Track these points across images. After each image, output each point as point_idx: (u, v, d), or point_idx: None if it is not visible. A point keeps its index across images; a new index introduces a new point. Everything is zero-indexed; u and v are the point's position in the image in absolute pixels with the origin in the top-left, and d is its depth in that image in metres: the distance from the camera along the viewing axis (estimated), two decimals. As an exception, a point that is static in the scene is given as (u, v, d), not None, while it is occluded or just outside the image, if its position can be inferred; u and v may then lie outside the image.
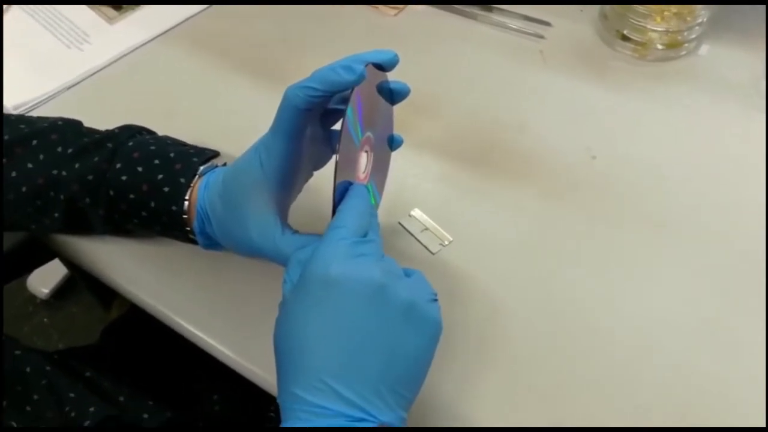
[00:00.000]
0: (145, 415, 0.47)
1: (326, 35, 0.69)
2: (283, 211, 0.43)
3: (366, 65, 0.37)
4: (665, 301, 0.47)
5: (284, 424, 0.34)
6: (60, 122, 0.49)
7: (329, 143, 0.47)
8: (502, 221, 0.52)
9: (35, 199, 0.47)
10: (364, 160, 0.42)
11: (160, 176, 0.45)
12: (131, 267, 0.51)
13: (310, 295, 0.34)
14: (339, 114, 0.45)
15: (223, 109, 0.62)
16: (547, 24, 0.67)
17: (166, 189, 0.45)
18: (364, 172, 0.43)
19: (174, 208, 0.45)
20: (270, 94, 0.62)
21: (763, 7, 0.67)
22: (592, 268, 0.49)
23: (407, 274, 0.37)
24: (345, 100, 0.41)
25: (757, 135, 0.57)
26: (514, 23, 0.68)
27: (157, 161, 0.46)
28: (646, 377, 0.43)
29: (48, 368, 0.46)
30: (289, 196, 0.44)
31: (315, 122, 0.43)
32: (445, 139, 0.58)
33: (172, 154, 0.47)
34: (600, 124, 0.59)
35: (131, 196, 0.46)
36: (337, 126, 0.46)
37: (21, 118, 0.50)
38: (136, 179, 0.46)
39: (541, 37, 0.66)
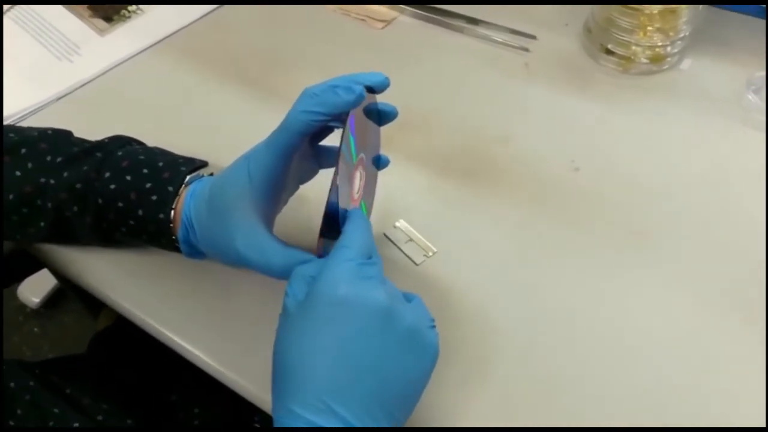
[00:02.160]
0: None
1: (314, 48, 0.69)
2: (268, 224, 0.44)
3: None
4: (649, 310, 0.47)
5: None
6: (50, 132, 0.50)
7: (316, 159, 0.48)
8: (487, 233, 0.52)
9: (21, 208, 0.47)
10: (357, 180, 0.43)
11: (149, 185, 0.46)
12: (118, 277, 0.52)
13: (317, 314, 0.35)
14: (328, 131, 0.46)
15: (212, 121, 0.62)
16: (533, 37, 0.68)
17: (153, 197, 0.45)
18: (357, 193, 0.43)
19: (161, 216, 0.45)
20: (259, 106, 0.64)
21: (746, 21, 0.68)
22: (576, 279, 0.49)
23: (407, 298, 0.38)
24: (337, 119, 0.42)
25: (739, 148, 0.58)
26: (500, 36, 0.68)
27: (145, 170, 0.47)
28: (632, 384, 0.44)
29: (31, 383, 0.47)
30: (275, 208, 0.45)
31: (305, 139, 0.44)
32: (430, 151, 0.59)
33: (160, 164, 0.47)
34: (584, 136, 0.59)
35: (119, 204, 0.46)
36: (325, 142, 0.47)
37: (10, 128, 0.50)
38: (124, 188, 0.46)
39: (526, 50, 0.67)
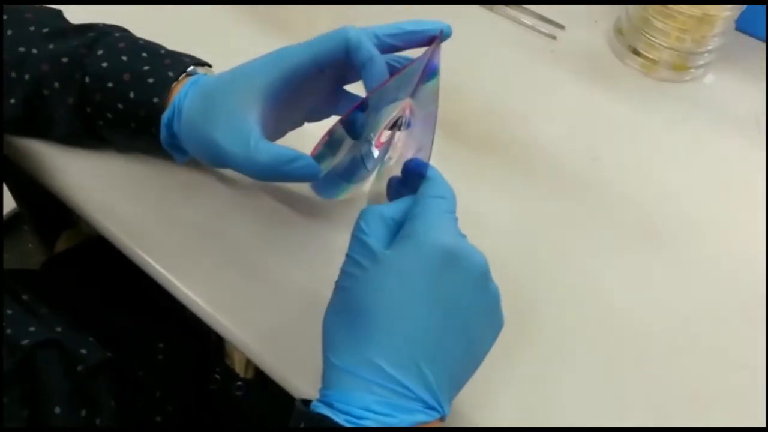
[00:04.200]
0: (83, 351, 0.42)
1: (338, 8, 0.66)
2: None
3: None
4: (646, 300, 0.46)
5: (338, 390, 0.31)
6: (38, 7, 0.45)
7: (334, 101, 0.45)
8: (493, 204, 0.51)
9: None
10: (393, 113, 0.39)
11: (146, 68, 0.41)
12: (98, 188, 0.47)
13: (421, 264, 0.31)
14: (356, 78, 0.43)
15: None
16: (561, 27, 0.66)
17: (150, 80, 0.41)
18: (383, 138, 0.40)
19: (155, 100, 0.41)
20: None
21: None
22: (579, 260, 0.48)
23: None
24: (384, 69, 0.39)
25: (752, 168, 0.57)
26: (529, 20, 0.67)
27: (144, 54, 0.42)
28: (628, 369, 0.42)
29: None
30: (274, 127, 0.41)
31: (333, 75, 0.41)
32: (445, 120, 0.56)
33: (162, 51, 0.43)
34: (602, 129, 0.58)
35: (109, 84, 0.41)
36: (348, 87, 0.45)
37: None
38: (118, 68, 0.41)
39: (554, 38, 0.66)
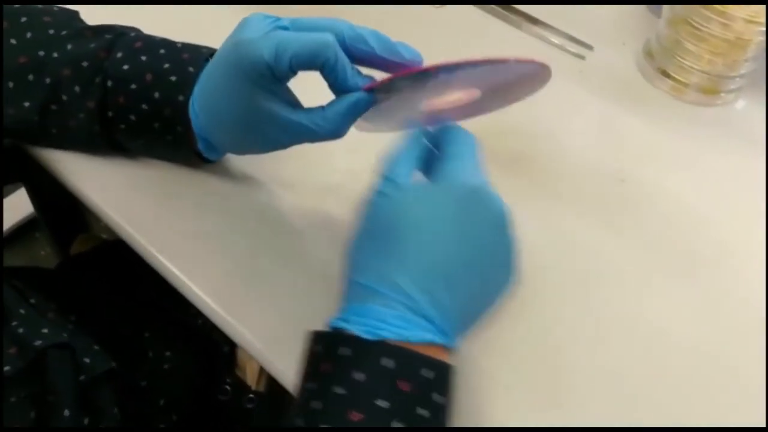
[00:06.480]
0: (87, 359, 0.41)
1: (364, 13, 0.66)
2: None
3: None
4: (667, 316, 0.46)
5: (355, 302, 0.32)
6: (55, 8, 0.45)
7: None
8: (521, 223, 0.48)
9: (8, 81, 0.42)
10: (456, 95, 0.39)
11: (167, 65, 0.41)
12: (115, 191, 0.47)
13: (451, 198, 0.33)
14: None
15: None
16: (589, 47, 0.66)
17: (172, 78, 0.41)
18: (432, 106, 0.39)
19: (180, 98, 0.41)
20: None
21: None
22: (602, 281, 0.47)
23: None
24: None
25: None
26: (557, 39, 0.66)
27: (162, 51, 0.42)
28: (635, 380, 0.41)
29: None
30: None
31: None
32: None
33: (179, 45, 0.43)
34: (631, 151, 0.57)
35: (132, 86, 0.41)
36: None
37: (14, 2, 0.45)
38: (139, 69, 0.41)
39: (582, 57, 0.65)
